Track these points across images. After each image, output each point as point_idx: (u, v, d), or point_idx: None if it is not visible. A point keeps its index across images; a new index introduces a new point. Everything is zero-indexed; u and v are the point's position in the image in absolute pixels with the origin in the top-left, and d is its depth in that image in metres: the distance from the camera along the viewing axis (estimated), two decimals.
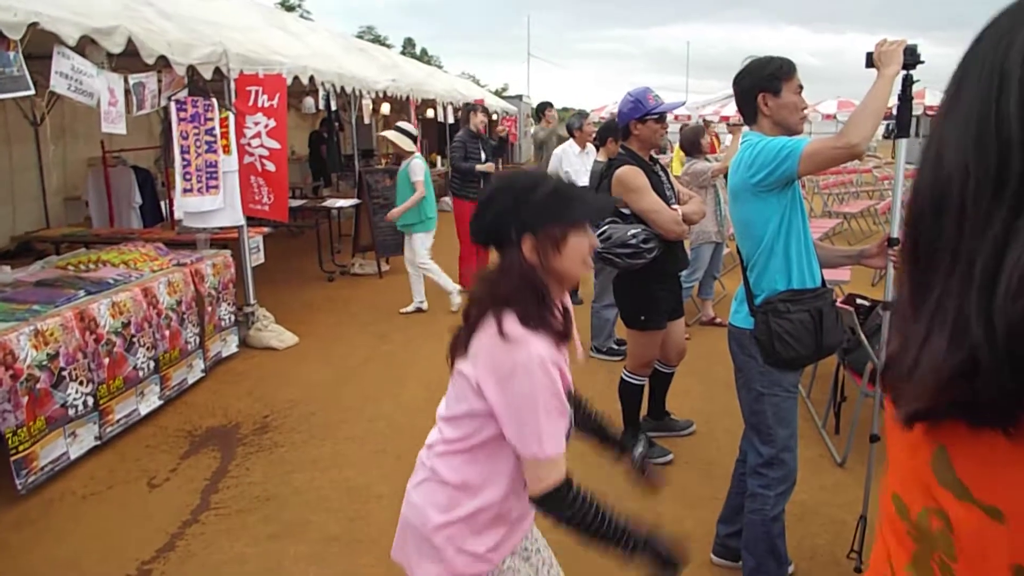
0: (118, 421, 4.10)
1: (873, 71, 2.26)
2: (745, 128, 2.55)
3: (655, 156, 3.73)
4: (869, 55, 2.28)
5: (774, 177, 2.31)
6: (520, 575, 1.66)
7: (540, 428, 1.46)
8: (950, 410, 0.62)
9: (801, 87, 2.44)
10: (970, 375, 0.59)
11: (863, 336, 3.60)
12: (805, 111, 2.48)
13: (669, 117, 3.63)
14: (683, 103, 4.07)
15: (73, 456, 3.75)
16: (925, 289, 0.65)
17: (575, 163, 6.37)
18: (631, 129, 3.55)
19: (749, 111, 2.47)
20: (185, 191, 5.11)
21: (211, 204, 5.20)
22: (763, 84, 2.41)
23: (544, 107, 8.99)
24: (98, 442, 3.93)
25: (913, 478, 0.70)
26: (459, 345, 1.59)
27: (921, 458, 0.68)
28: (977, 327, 0.58)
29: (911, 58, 2.24)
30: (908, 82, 2.33)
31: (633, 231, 3.38)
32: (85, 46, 4.11)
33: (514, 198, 1.55)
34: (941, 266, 0.63)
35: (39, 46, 3.74)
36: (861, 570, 2.72)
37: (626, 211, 3.52)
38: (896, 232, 2.43)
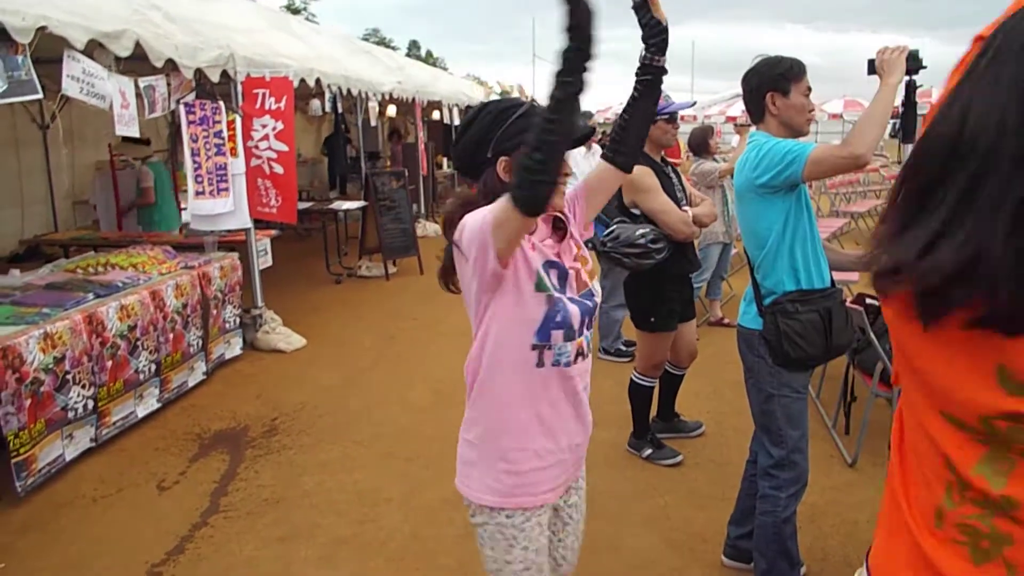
0: (114, 423, 4.10)
1: (875, 76, 2.25)
2: (752, 128, 2.54)
3: (666, 158, 3.72)
4: (871, 62, 2.25)
5: (778, 180, 2.29)
6: None
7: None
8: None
9: (810, 89, 2.43)
10: (969, 273, 0.70)
11: (873, 336, 3.58)
12: (812, 112, 2.47)
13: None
14: (693, 103, 4.13)
15: (68, 458, 3.74)
16: (919, 213, 0.76)
17: (581, 164, 6.35)
18: None
19: (757, 110, 2.46)
20: (197, 193, 5.13)
21: (223, 207, 5.23)
22: (772, 84, 2.39)
23: None
24: (93, 444, 3.92)
25: (964, 394, 0.78)
26: (445, 268, 1.74)
27: (980, 370, 0.76)
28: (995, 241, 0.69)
29: (914, 64, 2.22)
30: (912, 87, 2.32)
31: (642, 231, 3.36)
32: (92, 50, 4.12)
33: (491, 121, 1.60)
34: (937, 198, 0.74)
35: (47, 50, 3.76)
36: None
37: (636, 211, 3.51)
38: None
